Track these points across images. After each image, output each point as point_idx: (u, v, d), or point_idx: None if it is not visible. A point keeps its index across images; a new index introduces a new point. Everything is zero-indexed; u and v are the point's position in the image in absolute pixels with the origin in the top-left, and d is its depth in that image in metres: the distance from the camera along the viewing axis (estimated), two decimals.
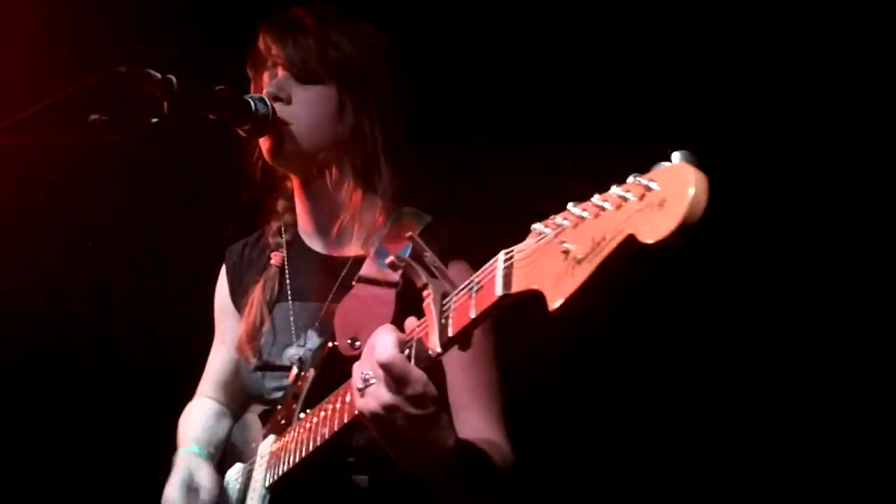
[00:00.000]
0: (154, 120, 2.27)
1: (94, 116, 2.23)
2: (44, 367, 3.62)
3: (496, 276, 1.61)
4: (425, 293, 1.78)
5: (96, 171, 3.29)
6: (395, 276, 2.21)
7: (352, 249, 2.39)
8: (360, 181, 2.37)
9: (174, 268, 3.39)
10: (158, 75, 2.24)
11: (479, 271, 1.67)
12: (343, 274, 2.36)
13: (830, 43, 3.00)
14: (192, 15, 3.26)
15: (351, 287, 2.29)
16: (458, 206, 2.36)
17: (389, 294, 2.20)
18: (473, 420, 2.21)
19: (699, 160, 1.38)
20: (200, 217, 3.16)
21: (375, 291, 2.22)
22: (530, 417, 2.33)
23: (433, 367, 1.84)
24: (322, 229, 2.44)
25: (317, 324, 2.37)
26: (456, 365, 2.24)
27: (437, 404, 1.86)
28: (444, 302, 1.74)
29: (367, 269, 2.30)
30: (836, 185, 3.05)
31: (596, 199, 1.47)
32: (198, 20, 3.26)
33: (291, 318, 2.42)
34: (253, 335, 2.44)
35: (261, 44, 2.38)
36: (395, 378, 1.80)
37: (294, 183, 2.47)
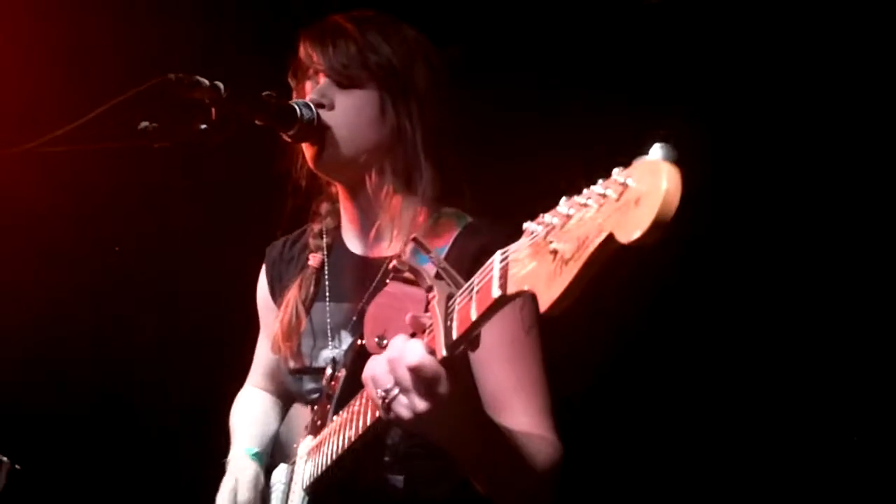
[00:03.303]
0: (203, 126, 2.33)
1: (143, 124, 2.30)
2: (89, 368, 3.72)
3: (493, 278, 1.60)
4: (430, 295, 1.77)
5: (141, 177, 3.38)
6: (445, 274, 2.20)
7: (390, 250, 2.39)
8: (401, 184, 2.38)
9: (219, 273, 3.46)
10: (207, 82, 2.28)
11: (479, 272, 1.66)
12: (379, 274, 2.37)
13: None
14: (235, 24, 3.34)
15: (385, 286, 2.30)
16: (500, 206, 2.33)
17: (421, 293, 2.19)
18: (519, 417, 2.19)
19: (677, 153, 1.34)
20: (247, 223, 3.22)
21: (407, 290, 2.20)
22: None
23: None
24: (362, 231, 2.45)
25: (350, 324, 2.39)
26: (499, 363, 2.23)
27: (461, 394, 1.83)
28: (448, 304, 1.73)
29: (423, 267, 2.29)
30: (849, 185, 2.97)
31: (582, 195, 1.44)
32: (241, 29, 3.34)
33: (328, 319, 2.45)
34: (288, 334, 2.47)
35: (301, 52, 2.41)
36: (426, 380, 1.76)
37: (338, 186, 2.49)
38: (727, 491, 3.19)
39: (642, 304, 3.19)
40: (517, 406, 2.21)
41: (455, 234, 2.34)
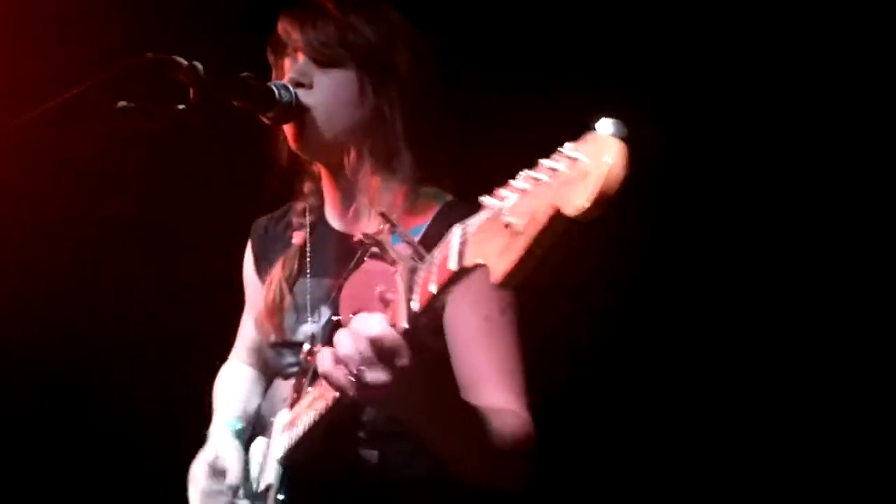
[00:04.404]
0: (181, 107, 2.36)
1: (121, 104, 2.32)
2: (69, 353, 3.74)
3: (450, 251, 1.63)
4: (394, 269, 1.80)
5: (121, 159, 3.40)
6: (412, 248, 2.23)
7: (370, 228, 2.40)
8: (380, 165, 2.40)
9: (202, 251, 3.49)
10: (185, 62, 2.29)
11: (439, 244, 1.69)
12: (359, 252, 2.38)
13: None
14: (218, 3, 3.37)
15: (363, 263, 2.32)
16: (482, 187, 2.37)
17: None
18: (491, 396, 2.22)
19: (627, 128, 1.37)
20: (229, 203, 3.25)
21: (384, 267, 2.24)
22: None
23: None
24: (343, 210, 2.49)
25: (330, 300, 2.41)
26: (473, 343, 2.26)
27: (424, 368, 1.85)
28: (412, 277, 1.76)
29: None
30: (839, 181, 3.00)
31: (537, 169, 1.47)
32: (219, 7, 3.36)
33: (308, 295, 2.48)
34: (272, 312, 2.50)
35: (280, 29, 2.42)
36: (385, 352, 1.79)
37: (319, 165, 2.52)
38: (706, 483, 3.23)
39: (618, 294, 3.22)
40: (490, 385, 2.24)
41: (434, 212, 2.36)
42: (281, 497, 2.27)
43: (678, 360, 3.25)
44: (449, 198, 2.40)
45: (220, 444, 2.52)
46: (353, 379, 1.81)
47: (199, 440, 2.59)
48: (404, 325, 1.75)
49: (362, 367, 1.79)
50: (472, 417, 2.05)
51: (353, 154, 2.41)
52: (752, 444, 3.18)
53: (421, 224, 2.33)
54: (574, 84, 3.09)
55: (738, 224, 3.18)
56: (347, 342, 1.81)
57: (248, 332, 2.74)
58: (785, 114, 3.11)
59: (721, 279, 3.20)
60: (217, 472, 2.46)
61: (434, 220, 2.34)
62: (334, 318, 2.28)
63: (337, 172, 2.45)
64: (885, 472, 3.06)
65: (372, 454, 2.30)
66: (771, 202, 3.14)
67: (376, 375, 1.79)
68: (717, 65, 3.14)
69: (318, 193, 2.56)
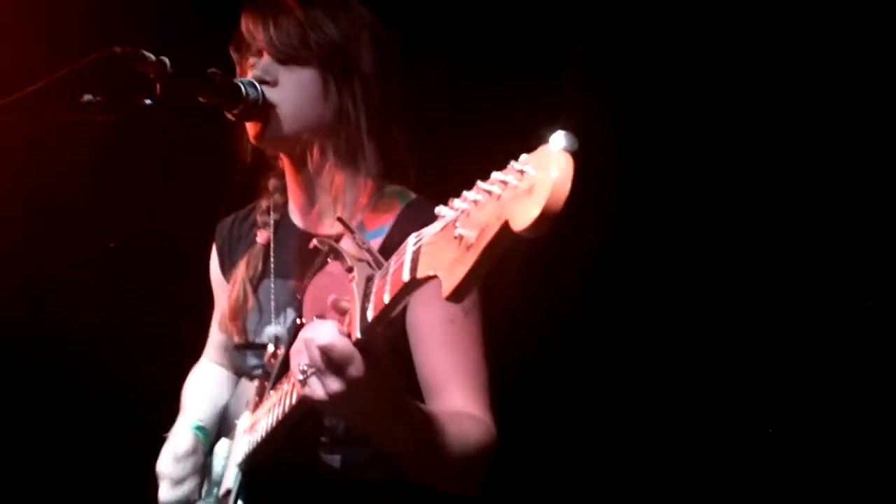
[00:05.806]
0: (147, 101, 2.32)
1: (87, 97, 2.29)
2: (37, 348, 3.68)
3: (404, 262, 1.60)
4: (350, 276, 1.77)
5: (88, 152, 3.35)
6: (369, 255, 2.20)
7: (333, 228, 2.35)
8: (343, 162, 2.37)
9: (167, 249, 3.44)
10: (152, 57, 2.28)
11: (395, 253, 1.66)
12: (322, 254, 2.35)
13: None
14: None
15: (326, 265, 2.29)
16: (445, 184, 2.34)
17: None
18: (454, 399, 2.20)
19: (577, 142, 1.34)
20: (193, 197, 3.21)
21: None
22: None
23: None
24: (307, 208, 2.45)
25: (295, 302, 2.38)
26: (436, 345, 2.23)
27: (379, 377, 1.83)
28: (367, 286, 1.74)
29: (342, 247, 2.30)
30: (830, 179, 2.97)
31: (490, 181, 1.44)
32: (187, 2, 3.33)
33: (272, 296, 2.45)
34: (236, 313, 2.47)
35: (244, 27, 2.39)
36: (336, 361, 1.77)
37: (284, 162, 2.48)
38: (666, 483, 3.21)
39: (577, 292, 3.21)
40: (453, 388, 2.21)
41: (398, 212, 2.33)
42: (240, 502, 2.24)
43: (642, 361, 3.23)
44: (412, 196, 2.38)
45: (178, 444, 2.48)
46: (301, 386, 1.79)
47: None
48: (358, 334, 1.72)
49: (314, 374, 1.77)
50: (432, 425, 2.02)
51: (316, 151, 2.38)
52: (721, 443, 3.17)
53: (385, 224, 2.31)
54: (540, 81, 3.06)
55: (702, 226, 3.16)
56: (299, 347, 1.79)
57: (217, 333, 2.69)
58: (752, 111, 3.09)
59: (687, 277, 3.18)
60: (181, 468, 2.42)
61: (397, 219, 2.32)
62: (299, 320, 2.24)
63: (300, 169, 2.42)
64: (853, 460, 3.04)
65: (335, 459, 2.27)
66: (739, 201, 3.12)
67: (328, 383, 1.77)
68: (686, 64, 3.11)
69: (283, 190, 2.53)
